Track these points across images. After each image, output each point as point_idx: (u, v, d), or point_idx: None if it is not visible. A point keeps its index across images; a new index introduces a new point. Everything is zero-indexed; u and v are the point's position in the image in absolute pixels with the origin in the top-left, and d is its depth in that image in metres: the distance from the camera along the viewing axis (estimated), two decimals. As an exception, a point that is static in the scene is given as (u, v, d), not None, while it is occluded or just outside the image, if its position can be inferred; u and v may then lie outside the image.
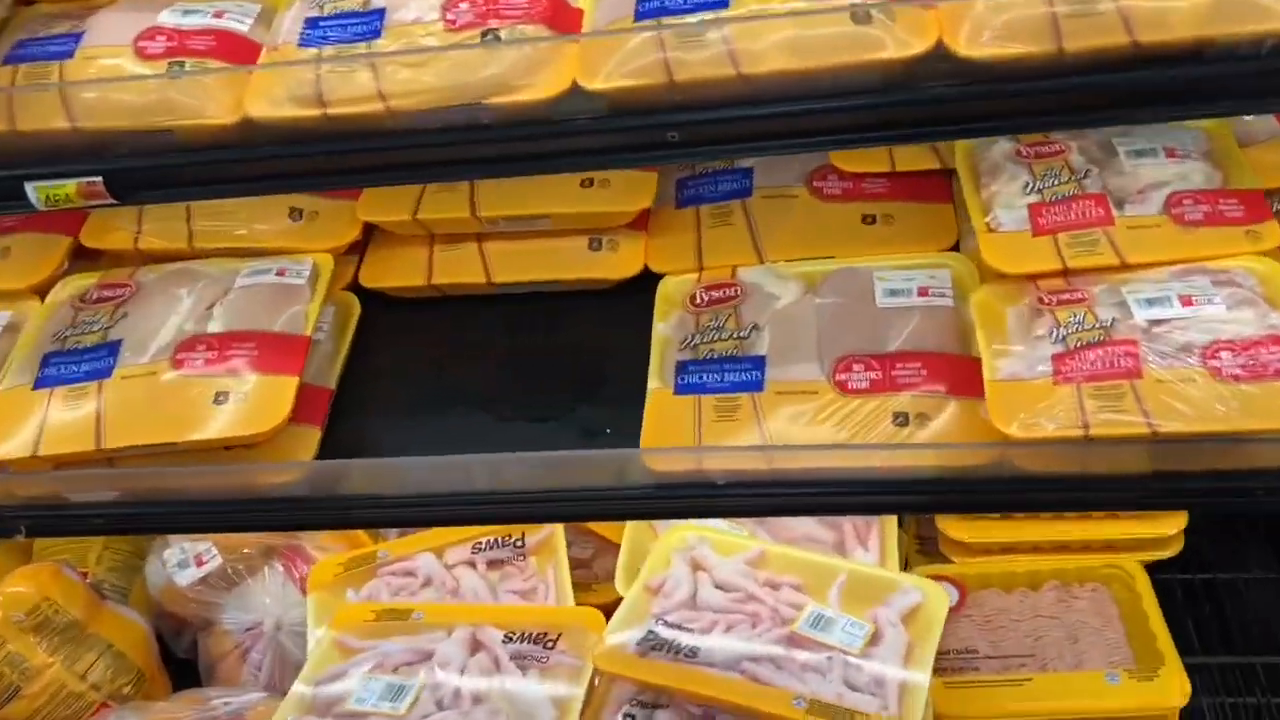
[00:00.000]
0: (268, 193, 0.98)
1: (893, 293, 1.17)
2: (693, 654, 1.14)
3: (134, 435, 1.13)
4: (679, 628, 1.18)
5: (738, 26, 0.85)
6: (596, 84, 0.88)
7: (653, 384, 1.17)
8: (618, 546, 1.47)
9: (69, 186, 0.98)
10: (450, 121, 0.91)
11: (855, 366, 1.11)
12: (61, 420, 1.14)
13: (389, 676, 1.20)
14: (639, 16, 0.90)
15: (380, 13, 0.95)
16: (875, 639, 1.16)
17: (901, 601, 1.21)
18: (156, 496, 1.19)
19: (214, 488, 1.18)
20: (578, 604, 1.32)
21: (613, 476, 1.14)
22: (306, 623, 1.38)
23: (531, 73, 0.90)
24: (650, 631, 1.18)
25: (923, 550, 1.45)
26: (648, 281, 1.27)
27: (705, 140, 0.91)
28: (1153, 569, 1.37)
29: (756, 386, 1.13)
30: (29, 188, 0.98)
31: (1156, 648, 1.26)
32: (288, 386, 1.16)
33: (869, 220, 1.25)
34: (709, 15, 0.87)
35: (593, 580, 1.46)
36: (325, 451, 1.20)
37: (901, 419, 1.07)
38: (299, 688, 1.24)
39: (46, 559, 1.54)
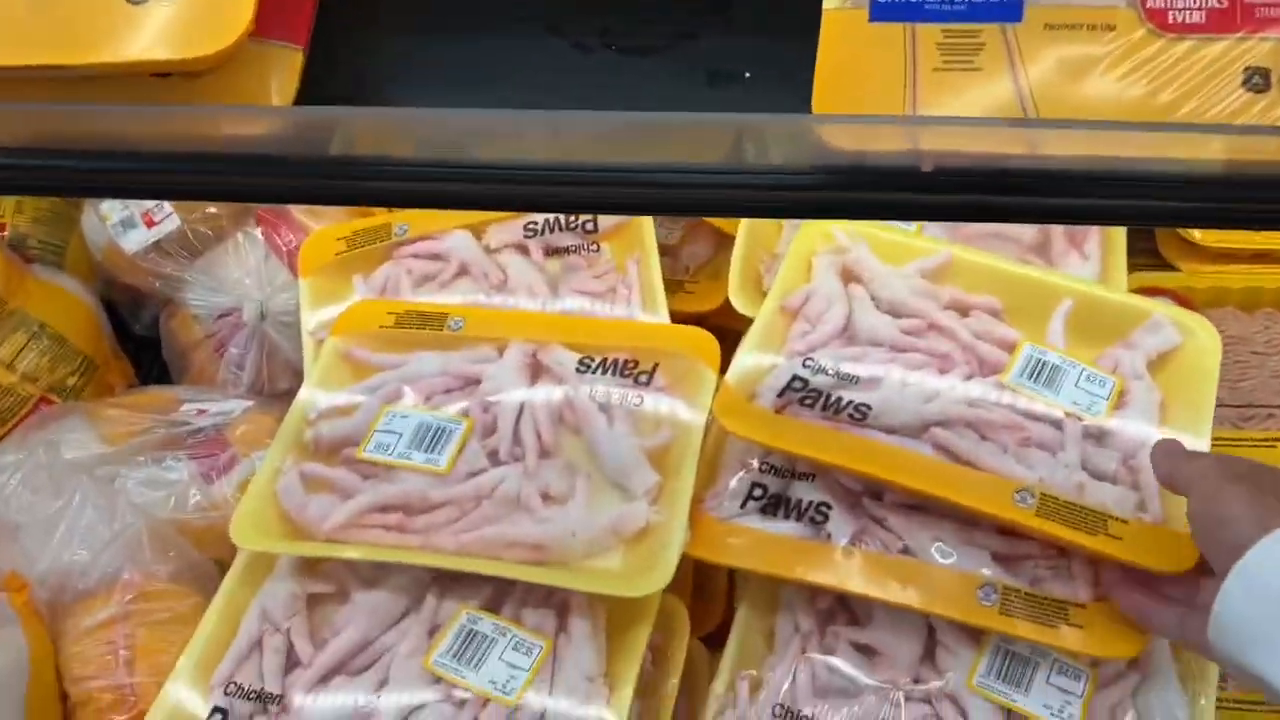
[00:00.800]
0: None
1: None
2: (861, 414, 0.80)
3: (10, 50, 0.70)
4: (837, 374, 0.83)
5: None
6: None
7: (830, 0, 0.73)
8: (717, 229, 1.09)
9: None
10: None
11: (1181, -15, 0.68)
12: (-116, 21, 0.71)
13: (421, 412, 0.86)
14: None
15: None
16: (1121, 399, 0.82)
17: (1151, 342, 0.85)
18: (59, 144, 0.78)
19: (145, 138, 0.77)
20: (672, 314, 0.96)
21: (756, 152, 0.73)
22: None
23: None
24: (795, 377, 0.82)
25: (1131, 249, 1.07)
26: None
27: None
28: None
29: (1011, 12, 0.70)
30: None
31: None
32: (245, -21, 0.72)
33: None
34: None
35: (683, 276, 1.09)
36: (311, 86, 0.78)
37: (1257, 78, 0.66)
38: (299, 410, 0.90)
39: (-55, 207, 1.16)
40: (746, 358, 0.85)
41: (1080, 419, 0.80)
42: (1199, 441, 0.80)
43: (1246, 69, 0.66)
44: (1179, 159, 0.66)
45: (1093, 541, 0.72)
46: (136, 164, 0.77)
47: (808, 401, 0.82)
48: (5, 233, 1.18)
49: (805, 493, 0.82)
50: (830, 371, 0.83)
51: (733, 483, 0.84)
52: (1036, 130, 0.66)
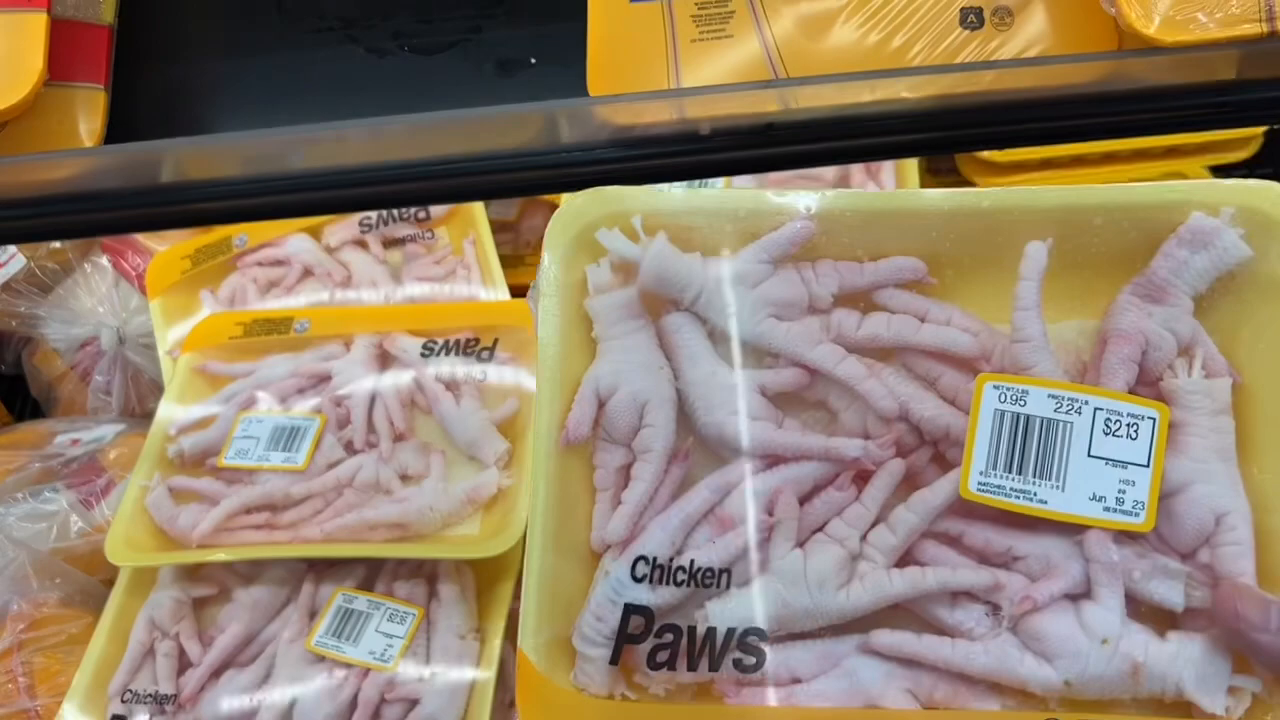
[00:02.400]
0: None
1: None
2: (753, 657, 0.52)
3: None
4: (692, 575, 0.53)
5: None
6: None
7: (586, -14, 0.78)
8: (552, 202, 1.14)
9: None
10: None
11: (900, -62, 0.74)
12: None
13: (276, 415, 0.91)
14: None
15: None
16: (1177, 432, 0.53)
17: (1196, 265, 0.53)
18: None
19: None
20: (511, 288, 1.01)
21: (549, 134, 0.79)
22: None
23: None
24: (630, 608, 0.52)
25: (933, 170, 1.16)
26: None
27: None
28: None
29: (754, -21, 0.76)
30: None
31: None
32: (32, 28, 0.75)
33: None
34: None
35: (524, 249, 1.14)
36: (118, 123, 0.81)
37: (973, 17, 0.73)
38: (160, 428, 0.94)
39: None
40: (535, 568, 0.52)
41: (1109, 529, 0.50)
42: None
43: (962, 10, 0.74)
44: (913, 97, 0.73)
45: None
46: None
47: (663, 652, 0.52)
48: None
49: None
50: (680, 574, 0.52)
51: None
52: (785, 89, 0.73)
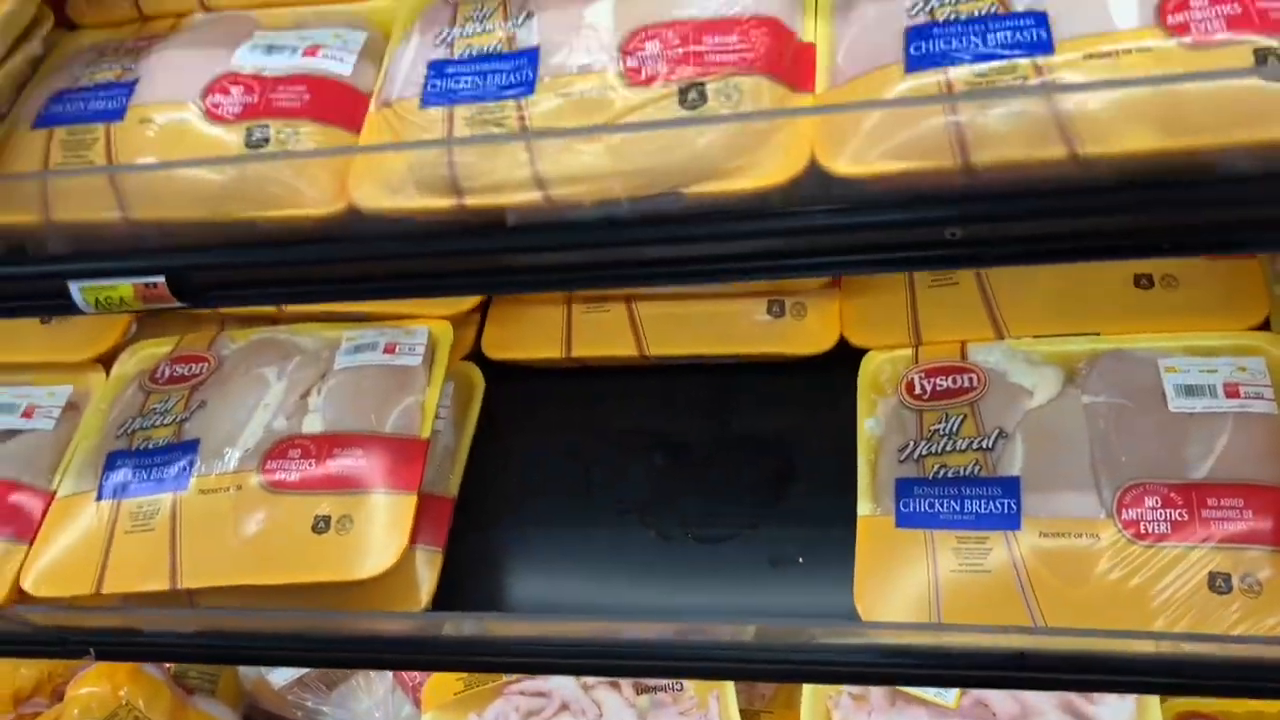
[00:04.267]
0: (376, 299, 0.73)
1: (1188, 391, 0.88)
2: None
3: (216, 573, 0.91)
4: None
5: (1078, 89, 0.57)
6: (847, 166, 0.61)
7: (864, 508, 0.90)
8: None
9: (124, 289, 0.74)
10: (636, 213, 0.65)
11: (1148, 500, 0.83)
12: (129, 549, 0.92)
13: None
14: (912, 64, 0.62)
15: (532, 55, 0.68)
16: None
17: None
18: (244, 631, 0.97)
19: (311, 630, 0.96)
20: (750, 745, 1.08)
21: (813, 646, 0.89)
22: (421, 742, 1.17)
23: (751, 150, 0.63)
24: None
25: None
26: (843, 354, 1.01)
27: (1000, 241, 0.63)
28: None
29: (1010, 522, 0.86)
30: (74, 289, 0.75)
31: None
32: (404, 508, 0.92)
33: (1144, 282, 0.95)
34: (1028, 63, 0.59)
35: (759, 704, 1.21)
36: (446, 575, 0.96)
37: (1221, 582, 0.80)
38: None
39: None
40: None
41: None
42: None
43: (1210, 573, 0.81)
44: (1152, 652, 0.79)
45: None
46: (306, 645, 0.96)
47: None
48: (171, 669, 1.36)
49: None
50: None
51: None
52: (1055, 637, 0.80)
